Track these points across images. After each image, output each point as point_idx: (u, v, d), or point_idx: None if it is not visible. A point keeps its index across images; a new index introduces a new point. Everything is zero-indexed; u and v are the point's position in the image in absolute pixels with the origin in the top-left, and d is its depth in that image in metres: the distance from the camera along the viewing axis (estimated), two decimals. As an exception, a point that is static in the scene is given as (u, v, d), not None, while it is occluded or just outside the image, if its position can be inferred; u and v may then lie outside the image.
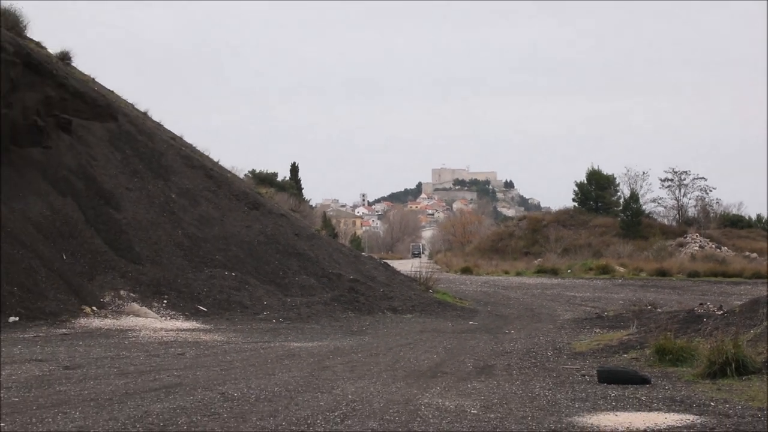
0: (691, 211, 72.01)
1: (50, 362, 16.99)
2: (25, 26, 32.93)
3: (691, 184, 71.77)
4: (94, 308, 25.02)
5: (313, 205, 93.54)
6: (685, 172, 73.66)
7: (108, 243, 27.76)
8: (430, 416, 10.75)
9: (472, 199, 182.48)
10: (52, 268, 25.71)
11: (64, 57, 33.68)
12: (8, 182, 27.56)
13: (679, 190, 72.14)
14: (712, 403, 11.42)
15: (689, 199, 72.25)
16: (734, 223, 70.44)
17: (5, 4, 33.33)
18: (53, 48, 33.99)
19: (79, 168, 29.55)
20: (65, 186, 28.68)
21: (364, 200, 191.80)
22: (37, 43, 32.64)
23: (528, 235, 76.52)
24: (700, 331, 18.55)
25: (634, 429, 9.90)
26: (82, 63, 34.97)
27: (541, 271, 59.53)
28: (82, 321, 23.99)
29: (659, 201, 73.51)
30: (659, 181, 73.70)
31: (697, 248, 62.21)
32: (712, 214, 71.61)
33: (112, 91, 34.14)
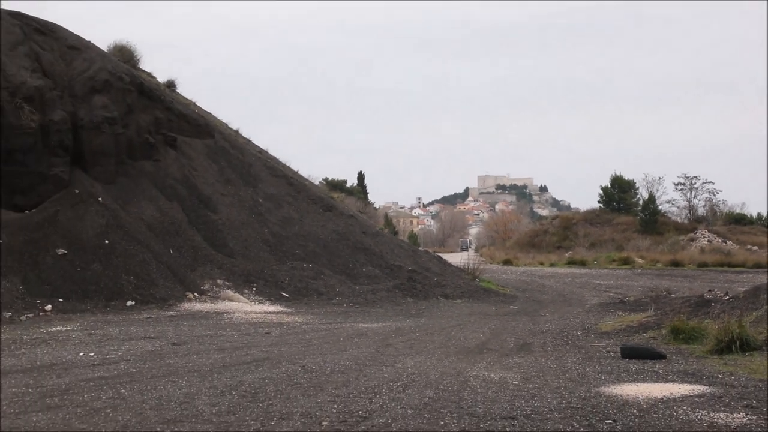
0: (701, 211, 71.47)
1: (160, 339, 17.41)
2: (138, 60, 33.53)
3: (700, 187, 71.49)
4: (196, 294, 25.43)
5: (377, 207, 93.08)
6: (696, 177, 73.64)
7: (206, 240, 28.19)
8: (477, 386, 10.89)
9: (511, 202, 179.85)
10: (161, 260, 26.24)
11: (170, 85, 34.18)
12: (126, 190, 28.44)
13: (690, 193, 71.70)
14: (720, 376, 11.58)
15: (699, 200, 71.86)
16: (738, 220, 69.64)
17: (123, 40, 34.12)
18: (162, 77, 34.44)
19: (182, 177, 29.93)
20: (171, 192, 29.17)
21: (419, 203, 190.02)
22: (148, 74, 33.01)
23: (560, 232, 75.60)
24: (709, 313, 18.47)
25: (653, 398, 9.93)
26: (184, 89, 35.52)
27: (571, 263, 58.90)
28: (186, 305, 24.39)
29: (673, 202, 73.05)
30: (673, 185, 73.83)
31: (705, 242, 61.55)
32: (718, 213, 70.93)
33: (209, 113, 34.49)
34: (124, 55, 32.79)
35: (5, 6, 29.77)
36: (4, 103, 26.39)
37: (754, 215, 71.42)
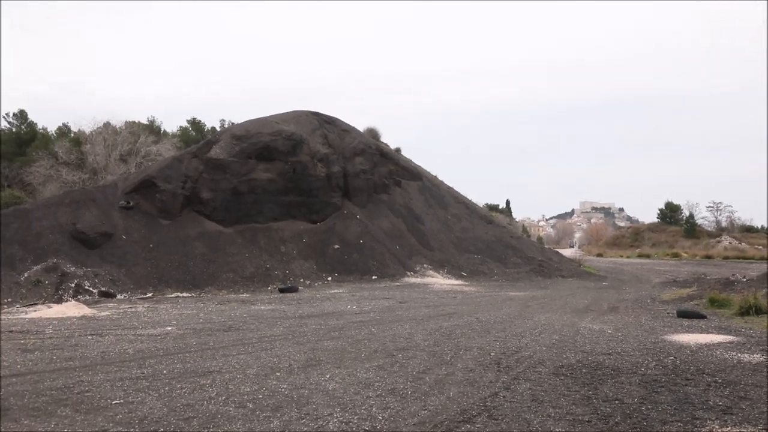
0: (724, 223, 67.88)
1: (392, 299, 17.61)
2: (380, 135, 34.07)
3: (723, 209, 68.67)
4: (411, 273, 25.57)
5: (517, 220, 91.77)
6: (720, 202, 72.86)
7: (418, 241, 28.35)
8: (585, 333, 10.72)
9: (601, 217, 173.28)
10: (392, 253, 26.65)
11: (398, 150, 34.85)
12: (372, 211, 29.11)
13: (717, 212, 68.71)
14: (743, 330, 11.16)
15: (722, 217, 68.71)
16: (748, 229, 65.50)
17: (372, 124, 35.08)
18: (393, 145, 35.10)
19: (404, 204, 30.26)
20: (398, 213, 29.50)
21: (543, 217, 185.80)
22: (385, 144, 33.91)
23: (632, 236, 72.56)
24: (733, 289, 17.73)
25: (699, 343, 9.64)
26: (406, 151, 36.13)
27: (640, 256, 56.29)
28: (406, 279, 24.58)
29: (705, 217, 69.96)
30: (705, 207, 72.39)
31: (727, 244, 58.00)
32: (735, 225, 67.11)
33: (419, 165, 34.92)
34: (372, 133, 33.53)
35: (306, 107, 30.97)
36: (308, 163, 27.47)
37: (759, 226, 67.57)
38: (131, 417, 5.71)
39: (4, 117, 47.21)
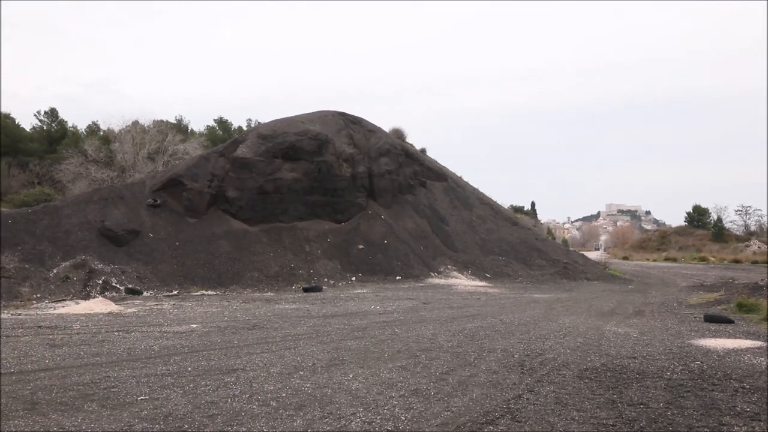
0: (753, 227, 66.80)
1: (416, 300, 17.59)
2: (405, 136, 34.20)
3: (752, 213, 67.57)
4: (435, 273, 25.50)
5: (542, 222, 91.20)
6: (750, 206, 71.39)
7: (442, 242, 28.29)
8: (611, 336, 10.60)
9: (627, 220, 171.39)
10: (416, 253, 26.60)
11: (423, 150, 34.85)
12: (397, 211, 29.10)
13: (746, 216, 67.66)
14: None
15: (751, 220, 67.65)
16: (778, 233, 65.19)
17: (396, 125, 35.18)
18: (418, 145, 35.23)
19: (429, 204, 30.26)
20: (422, 213, 29.48)
21: (569, 219, 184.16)
22: (410, 144, 33.89)
23: (659, 239, 71.78)
24: (762, 294, 17.28)
25: (726, 348, 9.45)
26: (431, 152, 36.11)
27: (667, 259, 55.63)
28: (430, 280, 24.53)
29: (734, 221, 68.86)
30: (734, 211, 70.65)
31: (756, 248, 57.04)
32: (765, 229, 66.05)
33: (444, 166, 34.83)
34: (398, 133, 33.62)
35: (336, 107, 31.11)
36: (334, 162, 27.54)
37: None
38: (156, 413, 5.78)
39: (35, 115, 48.12)
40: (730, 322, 12.90)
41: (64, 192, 32.57)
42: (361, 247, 25.79)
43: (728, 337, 10.72)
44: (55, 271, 19.45)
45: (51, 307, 15.74)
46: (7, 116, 44.66)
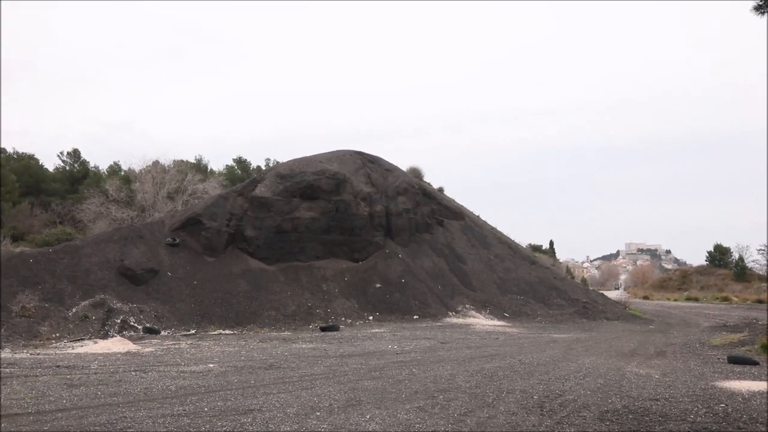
0: None
1: (433, 339, 17.47)
2: (423, 175, 34.32)
3: None
4: (453, 313, 25.28)
5: (561, 261, 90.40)
6: None
7: (460, 281, 28.08)
8: (632, 378, 10.44)
9: (647, 259, 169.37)
10: (434, 292, 26.43)
11: (440, 189, 34.91)
12: (414, 250, 29.05)
13: None
14: None
15: None
16: (802, 272, 64.23)
17: (414, 164, 35.36)
18: (435, 184, 35.23)
19: (446, 243, 30.14)
20: (440, 252, 29.36)
21: (587, 258, 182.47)
22: (428, 183, 33.95)
23: (680, 279, 70.92)
24: None
25: (751, 390, 9.28)
26: (449, 191, 36.14)
27: (688, 299, 54.74)
28: (447, 319, 24.32)
29: (756, 261, 67.82)
30: (756, 251, 69.60)
31: (779, 287, 56.55)
32: (787, 268, 65.30)
33: (462, 205, 34.86)
34: (415, 172, 33.75)
35: (353, 145, 31.38)
36: (351, 201, 27.67)
37: None
38: (172, 454, 5.75)
39: (58, 155, 49.03)
40: (755, 363, 12.65)
41: (84, 231, 32.90)
42: (378, 286, 25.72)
43: (753, 379, 10.52)
44: (74, 310, 19.59)
45: (70, 347, 15.81)
46: (31, 157, 45.62)
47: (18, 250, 24.61)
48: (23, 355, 13.88)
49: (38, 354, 14.09)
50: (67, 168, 47.01)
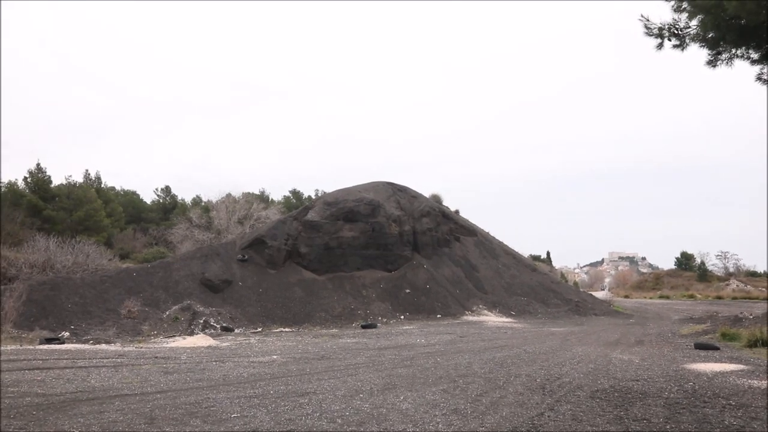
0: (731, 269, 64.33)
1: (453, 334, 17.35)
2: (442, 199, 34.19)
3: (730, 257, 65.54)
4: (469, 312, 25.04)
5: (556, 267, 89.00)
6: (728, 251, 70.72)
7: (474, 286, 27.88)
8: (617, 363, 10.36)
9: (627, 264, 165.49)
10: (453, 295, 26.24)
11: (457, 211, 34.74)
12: (437, 262, 28.92)
13: (725, 260, 65.46)
14: (751, 359, 10.72)
15: (730, 263, 65.31)
16: (752, 274, 61.94)
17: (436, 191, 35.26)
18: (453, 207, 35.12)
19: (462, 255, 29.97)
20: (457, 263, 29.19)
21: (578, 265, 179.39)
22: (446, 207, 33.79)
23: (654, 281, 69.39)
24: (742, 324, 17.00)
25: (714, 371, 9.28)
26: (464, 212, 35.96)
27: (661, 297, 53.28)
28: (464, 317, 24.13)
29: (715, 265, 66.43)
30: (715, 256, 69.11)
31: (735, 286, 54.80)
32: (741, 270, 63.54)
33: (474, 224, 34.69)
34: (436, 198, 33.67)
35: (385, 177, 31.47)
36: (384, 223, 27.73)
37: (761, 271, 63.68)
38: (246, 428, 5.82)
39: (154, 191, 50.21)
40: (717, 348, 12.58)
41: (174, 251, 33.52)
42: (408, 291, 25.67)
43: (715, 362, 10.44)
44: (167, 313, 19.93)
45: (164, 342, 16.05)
46: (134, 193, 46.93)
47: (124, 266, 25.15)
48: (130, 348, 14.15)
49: (141, 347, 14.35)
50: (161, 201, 48.12)
